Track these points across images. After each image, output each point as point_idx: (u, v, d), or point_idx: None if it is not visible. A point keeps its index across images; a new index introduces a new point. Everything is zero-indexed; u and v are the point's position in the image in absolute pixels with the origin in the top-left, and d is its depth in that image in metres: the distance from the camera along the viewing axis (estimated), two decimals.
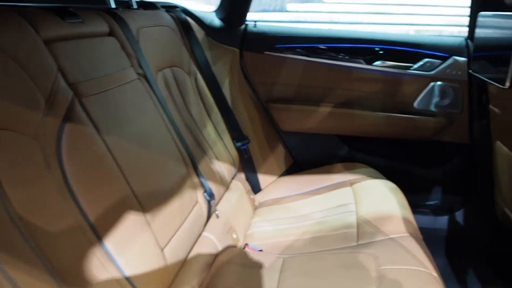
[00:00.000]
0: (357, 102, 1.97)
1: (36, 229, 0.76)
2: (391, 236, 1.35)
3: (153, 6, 1.65)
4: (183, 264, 1.20)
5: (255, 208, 1.79)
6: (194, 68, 1.69)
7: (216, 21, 1.94)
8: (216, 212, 1.42)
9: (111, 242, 0.91)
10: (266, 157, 2.06)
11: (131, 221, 0.99)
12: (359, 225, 1.45)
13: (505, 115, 1.50)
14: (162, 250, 1.08)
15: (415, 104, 1.91)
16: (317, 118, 2.01)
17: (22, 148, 0.80)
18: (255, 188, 1.96)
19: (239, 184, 1.76)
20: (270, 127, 2.08)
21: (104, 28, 1.22)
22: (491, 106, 1.60)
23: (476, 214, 2.02)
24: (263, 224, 1.62)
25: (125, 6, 1.49)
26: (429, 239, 1.66)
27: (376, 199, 1.61)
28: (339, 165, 1.96)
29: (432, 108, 1.91)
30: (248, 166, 1.95)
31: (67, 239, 0.82)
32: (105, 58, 1.16)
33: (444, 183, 2.07)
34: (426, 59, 1.87)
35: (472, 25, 1.81)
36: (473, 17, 1.76)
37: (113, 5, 1.38)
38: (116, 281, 0.90)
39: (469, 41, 1.85)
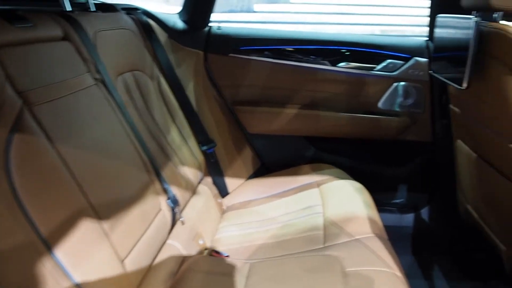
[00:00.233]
0: (323, 103, 1.97)
1: None
2: (357, 237, 1.35)
3: (112, 8, 1.60)
4: (146, 274, 1.16)
5: (223, 212, 1.76)
6: (156, 71, 1.66)
7: (179, 23, 1.91)
8: (181, 219, 1.39)
9: (65, 256, 0.88)
10: (233, 160, 2.04)
11: (88, 233, 0.96)
12: (326, 227, 1.45)
13: (464, 115, 1.53)
14: (122, 261, 1.04)
15: (379, 104, 1.93)
16: (284, 120, 2.00)
17: None
18: (223, 191, 1.94)
19: (206, 188, 1.73)
20: (236, 129, 2.06)
21: (58, 32, 1.18)
22: (451, 106, 1.62)
23: (440, 212, 2.06)
24: (230, 229, 1.60)
25: (82, 9, 1.44)
26: (395, 237, 1.68)
27: (342, 200, 1.61)
28: (306, 166, 1.96)
29: (396, 108, 1.93)
30: (214, 169, 1.93)
31: (17, 256, 0.79)
32: (59, 64, 1.11)
33: (409, 182, 2.09)
34: (389, 60, 1.89)
35: (432, 27, 1.84)
36: (432, 19, 1.79)
37: (68, 8, 1.33)
38: None
39: (429, 42, 1.89)
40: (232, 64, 1.94)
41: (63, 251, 0.88)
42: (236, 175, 2.02)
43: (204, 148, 1.82)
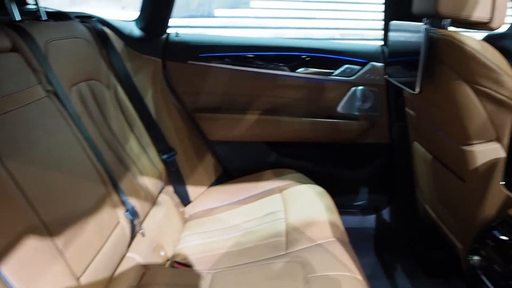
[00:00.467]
0: (283, 109, 1.99)
1: None
2: (319, 242, 1.37)
3: (65, 17, 1.56)
4: None
5: (185, 221, 1.75)
6: (113, 80, 1.63)
7: (136, 31, 1.88)
8: (141, 231, 1.37)
9: (15, 278, 0.85)
10: (195, 168, 2.02)
11: (39, 252, 0.93)
12: (288, 232, 1.46)
13: (419, 118, 1.57)
14: (78, 278, 1.02)
15: (339, 108, 1.96)
16: (245, 126, 2.00)
17: None
18: (184, 200, 1.92)
19: (167, 198, 1.71)
20: (197, 137, 2.04)
21: (5, 43, 1.14)
22: (407, 109, 1.66)
23: (400, 212, 2.10)
24: (192, 238, 1.58)
25: (33, 18, 1.40)
26: (358, 238, 1.71)
27: (304, 205, 1.62)
28: (268, 172, 1.96)
29: (355, 112, 1.96)
30: (176, 178, 1.91)
31: None
32: (6, 76, 1.07)
33: (370, 184, 2.13)
34: (346, 65, 1.93)
35: (386, 33, 1.88)
36: (387, 25, 1.83)
37: (17, 17, 1.28)
38: None
39: (384, 48, 1.93)
40: (191, 72, 1.93)
41: (13, 272, 0.85)
42: (198, 183, 2.01)
43: (164, 157, 1.80)
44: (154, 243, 1.41)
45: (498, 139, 1.20)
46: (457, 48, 1.16)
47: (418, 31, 1.28)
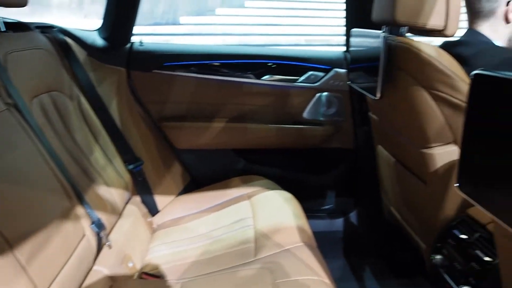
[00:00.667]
0: (249, 116, 2.00)
1: None
2: (287, 247, 1.38)
3: (25, 27, 1.52)
4: None
5: (153, 231, 1.74)
6: (76, 91, 1.60)
7: (99, 41, 1.87)
8: (107, 243, 1.36)
9: None
10: (162, 177, 2.01)
11: (1, 269, 0.91)
12: (257, 239, 1.47)
13: (381, 122, 1.61)
14: None
15: (304, 114, 2.00)
16: (211, 134, 2.01)
17: None
18: (152, 210, 1.90)
19: (134, 208, 1.69)
20: (164, 146, 2.04)
21: None
22: (370, 114, 1.70)
23: (367, 214, 2.14)
24: (161, 248, 1.57)
25: None
26: (326, 242, 1.73)
27: (272, 211, 1.64)
28: (236, 179, 1.97)
29: (320, 117, 2.00)
30: (143, 188, 1.89)
31: None
32: None
33: (337, 187, 2.17)
34: (311, 72, 1.96)
35: (348, 40, 1.92)
36: (348, 32, 1.87)
37: None
38: None
39: (347, 54, 1.97)
40: (156, 81, 1.93)
41: None
42: (165, 192, 2.00)
43: (131, 167, 1.78)
44: (121, 254, 1.39)
45: (455, 142, 1.25)
46: (414, 55, 1.20)
47: (378, 39, 1.32)
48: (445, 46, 1.38)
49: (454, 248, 1.27)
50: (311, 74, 1.96)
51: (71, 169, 1.34)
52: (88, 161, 1.48)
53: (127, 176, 1.72)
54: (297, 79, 1.97)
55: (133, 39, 1.95)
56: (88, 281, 1.22)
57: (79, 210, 1.28)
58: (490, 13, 1.33)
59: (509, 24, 1.32)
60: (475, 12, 1.36)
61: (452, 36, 1.27)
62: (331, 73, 1.96)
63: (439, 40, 1.36)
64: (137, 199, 1.82)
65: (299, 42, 7.19)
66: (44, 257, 1.05)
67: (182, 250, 1.53)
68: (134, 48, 1.93)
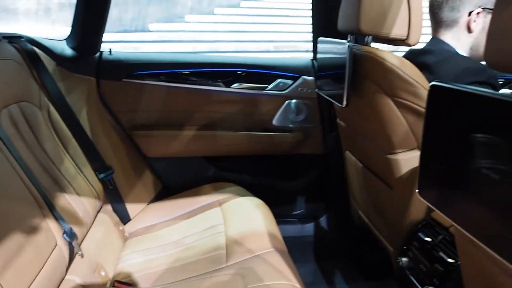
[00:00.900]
0: (219, 124, 2.03)
1: None
2: (257, 253, 1.41)
3: None
4: None
5: (125, 239, 1.74)
6: (45, 101, 1.60)
7: (68, 50, 1.86)
8: (79, 252, 1.35)
9: None
10: (133, 185, 2.01)
11: None
12: (228, 245, 1.49)
13: (348, 128, 1.65)
14: None
15: (274, 121, 2.03)
16: (182, 142, 2.02)
17: None
18: (124, 218, 1.90)
19: (106, 217, 1.69)
20: (135, 154, 2.04)
21: None
22: (338, 120, 1.74)
23: (337, 219, 2.18)
24: (133, 256, 1.58)
25: None
26: (297, 246, 1.76)
27: (243, 217, 1.66)
28: (207, 186, 1.98)
29: (289, 124, 2.04)
30: (114, 197, 1.89)
31: None
32: None
33: (307, 193, 2.20)
34: (279, 80, 2.00)
35: (315, 48, 1.97)
36: (315, 40, 1.92)
37: None
38: None
39: (315, 62, 2.01)
40: (126, 89, 1.93)
41: None
42: (137, 200, 2.00)
43: (102, 175, 1.78)
44: (94, 263, 1.39)
45: (419, 148, 1.29)
46: (379, 64, 1.24)
47: (343, 48, 1.36)
48: (410, 54, 1.44)
49: (419, 251, 1.31)
50: (280, 82, 2.00)
51: (42, 179, 1.33)
52: (59, 171, 1.48)
53: (98, 185, 1.72)
54: (266, 87, 2.01)
55: (103, 47, 1.95)
56: None
57: (51, 220, 1.28)
58: (453, 23, 1.39)
59: (471, 34, 1.38)
60: (438, 22, 1.42)
61: (414, 45, 1.32)
62: (299, 81, 2.00)
63: (406, 49, 1.41)
64: (108, 207, 1.82)
65: (268, 48, 7.26)
66: (16, 267, 1.04)
67: (154, 257, 1.53)
68: (103, 57, 1.93)
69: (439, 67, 1.32)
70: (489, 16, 1.36)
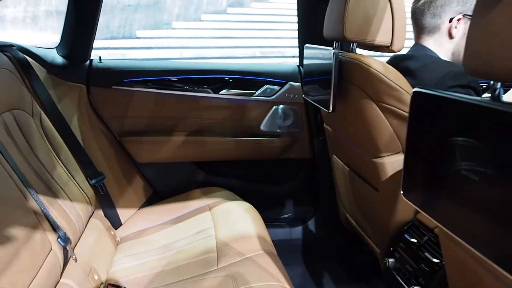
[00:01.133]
0: (208, 129, 2.06)
1: None
2: (248, 255, 1.43)
3: None
4: None
5: (117, 244, 1.75)
6: (37, 108, 1.62)
7: (58, 58, 1.89)
8: (73, 256, 1.37)
9: None
10: (124, 191, 2.03)
11: None
12: (219, 248, 1.51)
13: (335, 133, 1.69)
14: None
15: (262, 127, 2.06)
16: (172, 148, 2.05)
17: None
18: (116, 223, 1.92)
19: (98, 222, 1.71)
20: (126, 160, 2.06)
21: None
22: (325, 125, 1.78)
23: (325, 222, 2.22)
24: (125, 260, 1.60)
25: None
26: (286, 250, 1.79)
27: (233, 221, 1.69)
28: (197, 191, 2.01)
29: (277, 129, 2.07)
30: (105, 202, 1.90)
31: None
32: None
33: (295, 196, 2.24)
34: (266, 86, 2.04)
35: (301, 54, 2.01)
36: (301, 47, 1.96)
37: None
38: None
39: (301, 68, 2.05)
40: (116, 96, 1.96)
41: None
42: (128, 206, 2.01)
43: (93, 181, 1.79)
44: (87, 267, 1.41)
45: (404, 151, 1.34)
46: (364, 70, 1.29)
47: (329, 54, 1.40)
48: (394, 60, 1.49)
49: (405, 252, 1.35)
50: (267, 88, 2.04)
51: (35, 186, 1.35)
52: (52, 177, 1.50)
53: (89, 191, 1.74)
54: (254, 93, 2.05)
55: (92, 54, 1.97)
56: None
57: (45, 225, 1.30)
58: (435, 29, 1.44)
59: (452, 39, 1.43)
60: (420, 28, 1.47)
61: (398, 51, 1.37)
62: (286, 87, 2.04)
63: (390, 54, 1.45)
64: (100, 212, 1.84)
65: (254, 54, 7.30)
66: (13, 271, 1.06)
67: (146, 261, 1.56)
68: (93, 65, 1.96)
69: (421, 72, 1.37)
70: (469, 23, 1.40)
